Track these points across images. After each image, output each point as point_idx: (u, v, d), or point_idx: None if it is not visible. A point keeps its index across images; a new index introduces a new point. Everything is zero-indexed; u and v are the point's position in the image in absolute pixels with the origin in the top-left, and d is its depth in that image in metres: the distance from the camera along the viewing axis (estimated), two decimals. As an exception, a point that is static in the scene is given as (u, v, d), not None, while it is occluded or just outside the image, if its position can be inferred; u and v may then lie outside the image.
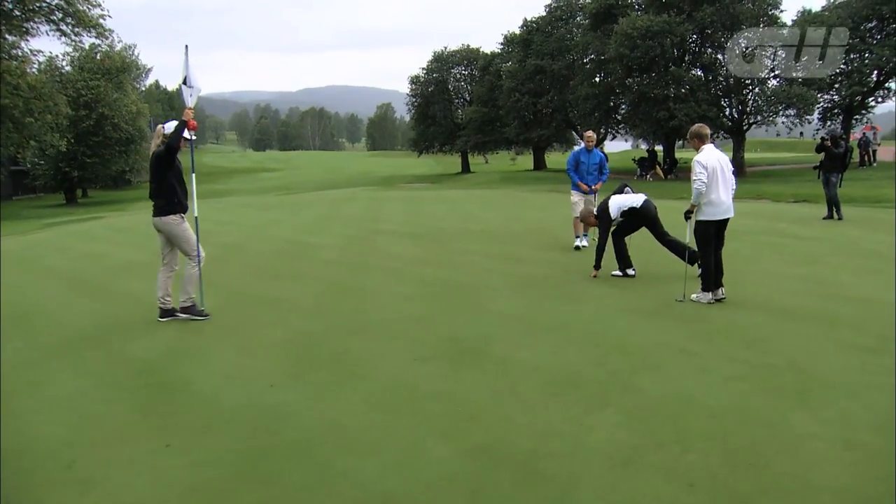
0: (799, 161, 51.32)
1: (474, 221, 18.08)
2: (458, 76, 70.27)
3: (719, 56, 39.17)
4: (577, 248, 12.69)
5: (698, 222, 8.68)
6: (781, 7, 37.82)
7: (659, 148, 54.21)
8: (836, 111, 41.60)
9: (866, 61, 38.47)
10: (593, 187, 12.69)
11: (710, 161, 8.61)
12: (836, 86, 39.63)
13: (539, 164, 61.60)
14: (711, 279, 8.64)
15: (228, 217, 22.52)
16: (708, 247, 8.67)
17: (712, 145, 8.96)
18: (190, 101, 7.97)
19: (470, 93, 67.83)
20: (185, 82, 8.10)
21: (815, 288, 9.37)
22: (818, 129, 43.10)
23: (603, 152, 13.39)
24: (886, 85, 40.31)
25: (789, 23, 38.07)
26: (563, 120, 55.00)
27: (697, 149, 9.08)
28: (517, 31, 58.10)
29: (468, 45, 70.09)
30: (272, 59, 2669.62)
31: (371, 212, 22.31)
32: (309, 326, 7.91)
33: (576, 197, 12.63)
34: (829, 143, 17.42)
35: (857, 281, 9.80)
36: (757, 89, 38.01)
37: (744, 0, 37.28)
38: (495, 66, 61.65)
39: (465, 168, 69.23)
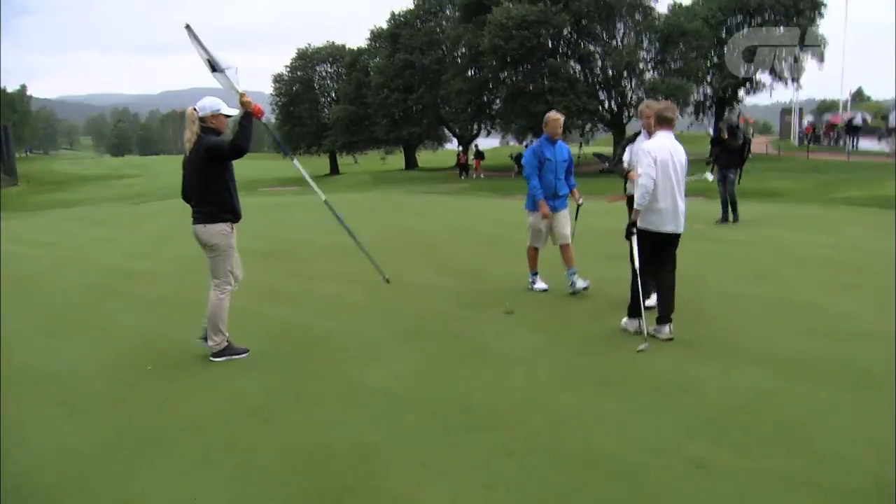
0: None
1: (342, 233, 14.95)
2: (324, 74, 66.95)
3: (596, 48, 37.86)
4: (532, 287, 8.72)
5: (639, 231, 6.56)
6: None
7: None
8: (707, 104, 41.18)
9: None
10: (566, 195, 8.52)
11: (661, 153, 6.32)
12: (709, 78, 39.15)
13: (411, 164, 59.28)
14: (639, 301, 6.67)
15: (50, 236, 18.25)
16: (645, 262, 6.59)
17: (669, 134, 6.54)
18: (237, 86, 6.17)
19: (337, 91, 64.69)
20: (213, 69, 6.28)
21: (800, 319, 7.14)
22: (692, 123, 42.75)
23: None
24: (757, 78, 40.25)
25: (664, 14, 37.15)
26: (434, 117, 52.70)
27: (650, 133, 6.67)
28: (385, 26, 55.39)
29: (333, 42, 66.90)
30: (130, 60, 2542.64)
31: (223, 223, 18.87)
32: (76, 442, 4.71)
33: (534, 217, 8.42)
34: (725, 134, 15.04)
35: (838, 303, 7.70)
36: (635, 81, 36.87)
37: (619, -10, 36.07)
38: (362, 62, 58.83)
39: (334, 169, 65.93)
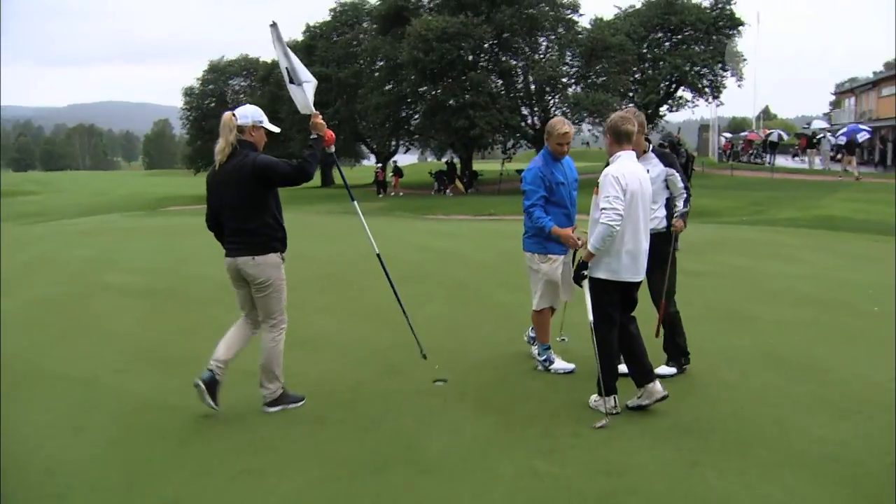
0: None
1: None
2: (238, 88, 64.26)
3: (518, 62, 36.75)
4: (549, 367, 6.16)
5: (594, 280, 5.10)
6: (581, 12, 36.13)
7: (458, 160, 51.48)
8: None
9: (660, 69, 37.73)
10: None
11: (630, 180, 4.93)
12: (631, 94, 38.59)
13: (327, 180, 57.10)
14: (614, 372, 5.16)
15: None
16: (608, 321, 5.10)
17: (632, 154, 5.06)
18: (311, 105, 5.38)
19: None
20: (290, 79, 5.33)
21: (815, 387, 5.65)
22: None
23: None
24: (678, 94, 39.95)
25: (588, 28, 36.36)
26: (351, 132, 50.55)
27: (611, 154, 5.21)
28: (299, 38, 53.21)
29: (247, 55, 64.28)
30: (35, 71, 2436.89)
31: (110, 251, 16.22)
32: None
33: (547, 265, 5.99)
34: (668, 150, 13.63)
35: (848, 361, 6.30)
36: (558, 96, 35.87)
37: (542, 3, 34.99)
38: (276, 75, 56.30)
39: (249, 187, 62.98)
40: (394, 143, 49.05)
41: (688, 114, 74.25)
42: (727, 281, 9.99)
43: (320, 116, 5.25)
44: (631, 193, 4.82)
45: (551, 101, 37.01)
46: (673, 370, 5.94)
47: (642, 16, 37.79)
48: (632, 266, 4.97)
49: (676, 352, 6.02)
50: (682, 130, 30.00)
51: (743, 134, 50.52)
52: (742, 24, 37.50)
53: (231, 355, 5.26)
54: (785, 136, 48.15)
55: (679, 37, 38.25)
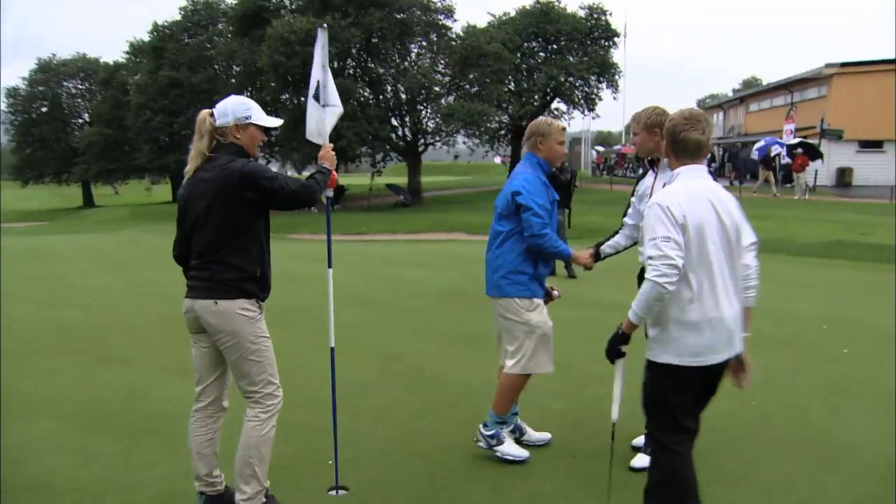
0: (474, 185, 49.67)
1: (65, 304, 10.62)
2: (74, 91, 59.65)
3: (388, 70, 35.35)
4: (496, 449, 4.68)
5: (655, 367, 3.35)
6: (454, 17, 35.17)
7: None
8: (503, 132, 40.05)
9: (535, 80, 37.37)
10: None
11: (693, 210, 3.23)
12: (504, 105, 38.01)
13: (179, 195, 53.73)
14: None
15: None
16: (672, 432, 3.35)
17: (699, 170, 3.35)
18: (326, 135, 4.30)
19: (90, 111, 57.59)
20: (316, 96, 4.29)
21: (844, 474, 4.28)
22: (488, 151, 41.52)
23: None
24: (554, 106, 39.78)
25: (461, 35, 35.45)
26: (206, 143, 47.79)
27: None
28: (146, 38, 49.75)
29: (85, 55, 59.83)
30: None
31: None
32: None
33: (534, 312, 4.59)
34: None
35: (861, 432, 5.02)
36: (431, 106, 34.69)
37: (413, 8, 33.76)
38: (120, 78, 52.54)
39: (88, 201, 58.43)
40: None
41: (568, 126, 75.48)
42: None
43: (332, 148, 4.20)
44: (696, 229, 3.17)
45: (423, 112, 35.81)
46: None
47: (517, 24, 37.37)
48: (720, 341, 3.24)
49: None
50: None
51: (616, 147, 51.39)
52: (617, 34, 37.86)
53: (214, 463, 3.93)
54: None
55: (554, 46, 38.09)
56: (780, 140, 29.12)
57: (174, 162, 47.75)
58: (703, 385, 3.34)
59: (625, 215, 4.87)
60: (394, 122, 36.14)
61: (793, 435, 5.00)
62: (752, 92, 47.54)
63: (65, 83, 59.34)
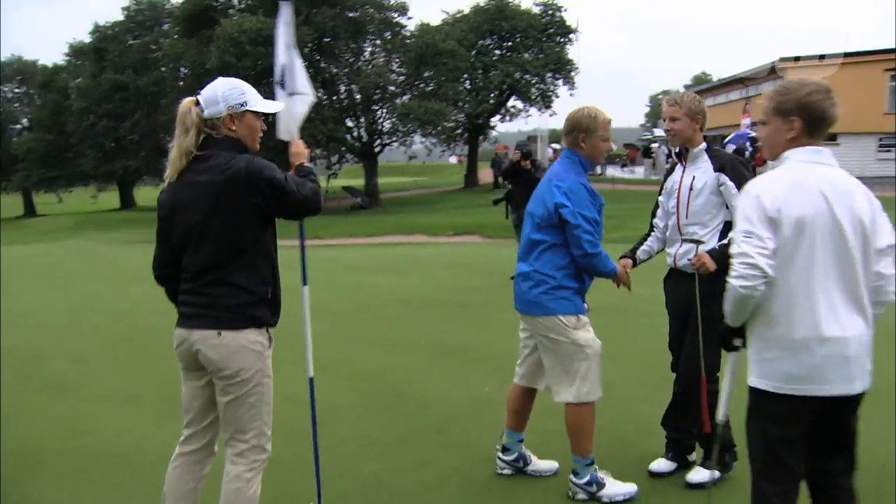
0: (431, 185, 49.13)
1: None
2: (10, 95, 57.70)
3: (341, 69, 34.67)
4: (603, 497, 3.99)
5: (749, 390, 2.79)
6: (409, 15, 34.64)
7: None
8: (460, 130, 39.65)
9: (491, 78, 37.05)
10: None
11: (797, 203, 2.63)
12: (461, 103, 37.61)
13: (128, 202, 52.38)
14: None
15: None
16: (773, 475, 2.73)
17: (820, 152, 2.74)
18: (297, 128, 3.79)
19: (28, 116, 55.79)
20: (282, 83, 3.85)
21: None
22: (444, 151, 41.10)
23: None
24: (510, 104, 39.53)
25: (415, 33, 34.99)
26: (154, 148, 46.20)
27: (772, 152, 2.88)
28: (87, 40, 48.27)
29: (21, 57, 57.98)
30: None
31: None
32: None
33: (582, 330, 3.97)
34: (526, 163, 11.63)
35: None
36: (387, 105, 34.10)
37: (366, 6, 33.15)
38: (60, 82, 50.88)
39: (30, 210, 56.56)
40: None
41: (521, 124, 75.51)
42: (654, 319, 8.37)
43: (303, 144, 3.60)
44: (795, 226, 2.61)
45: (379, 112, 35.21)
46: (714, 474, 3.91)
47: (471, 21, 37.08)
48: (822, 366, 2.64)
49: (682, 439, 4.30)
50: (500, 140, 29.54)
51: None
52: (573, 31, 37.73)
53: None
54: (613, 147, 49.44)
55: (510, 43, 37.84)
56: (750, 132, 29.13)
57: (121, 168, 46.44)
58: (820, 424, 2.73)
59: (654, 216, 4.39)
60: (349, 122, 35.53)
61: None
62: (706, 87, 47.86)
63: (1, 87, 57.42)
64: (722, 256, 3.89)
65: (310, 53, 34.44)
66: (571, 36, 38.16)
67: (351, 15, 32.96)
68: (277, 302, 3.16)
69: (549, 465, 4.39)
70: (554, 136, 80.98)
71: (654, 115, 77.22)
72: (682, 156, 4.10)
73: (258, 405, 3.08)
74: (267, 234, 3.11)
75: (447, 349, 7.38)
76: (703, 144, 4.06)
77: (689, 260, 3.95)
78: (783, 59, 33.00)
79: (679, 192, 4.10)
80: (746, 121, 31.83)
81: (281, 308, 3.19)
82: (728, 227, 3.92)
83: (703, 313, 3.93)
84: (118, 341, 8.19)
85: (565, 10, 37.64)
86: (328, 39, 33.57)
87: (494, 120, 40.90)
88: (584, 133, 3.89)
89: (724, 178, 3.93)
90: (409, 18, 35.35)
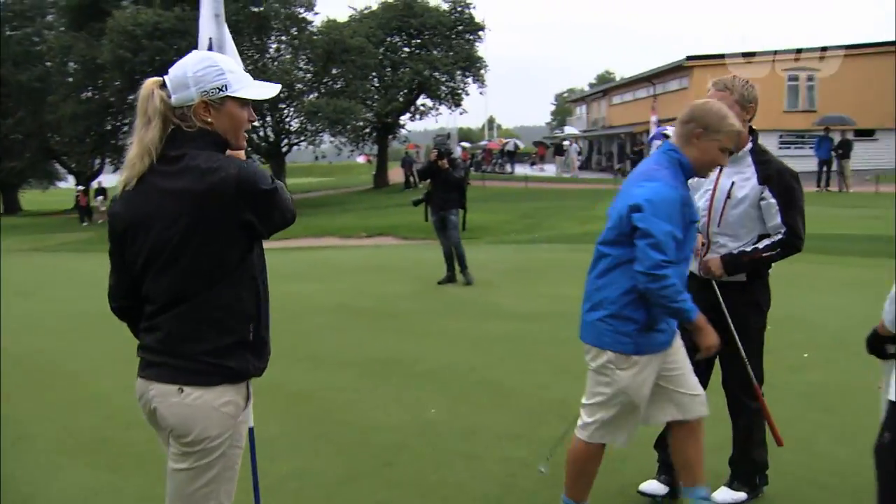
0: (339, 186, 48.11)
1: None
2: None
3: (245, 66, 33.45)
4: None
5: (889, 405, 2.48)
6: (315, 10, 33.79)
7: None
8: (368, 129, 38.98)
9: (400, 76, 36.56)
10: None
11: None
12: (369, 102, 36.98)
13: (11, 207, 49.35)
14: None
15: None
16: None
17: None
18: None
19: None
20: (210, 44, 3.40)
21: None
22: (352, 151, 40.41)
23: None
24: (420, 102, 39.13)
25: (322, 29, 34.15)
26: (40, 148, 43.87)
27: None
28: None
29: None
30: None
31: None
32: None
33: (628, 371, 3.23)
34: (444, 162, 11.20)
35: None
36: (295, 104, 33.13)
37: (271, 0, 32.15)
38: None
39: None
40: (98, 160, 43.15)
41: (430, 122, 75.38)
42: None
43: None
44: None
45: (286, 110, 34.20)
46: (741, 496, 3.67)
47: (379, 17, 36.46)
48: None
49: (749, 467, 3.83)
50: (410, 139, 29.15)
51: (482, 143, 51.46)
52: (482, 28, 37.59)
53: None
54: (521, 145, 49.85)
55: (419, 41, 37.46)
56: (667, 129, 29.59)
57: (3, 171, 43.63)
58: None
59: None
60: (254, 122, 34.42)
61: (795, 463, 4.25)
62: (614, 85, 48.74)
63: None
64: (737, 263, 3.53)
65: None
66: (481, 33, 38.03)
67: (255, 10, 31.82)
68: (263, 342, 2.50)
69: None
70: (463, 135, 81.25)
71: (560, 113, 78.44)
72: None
73: (217, 481, 2.42)
74: (254, 254, 2.44)
75: (382, 364, 6.82)
76: (749, 144, 3.60)
77: (702, 262, 3.59)
78: (690, 58, 33.79)
79: (714, 195, 3.64)
80: (654, 118, 32.44)
81: (270, 347, 2.55)
82: (760, 240, 3.57)
83: (736, 324, 3.58)
84: (8, 364, 7.28)
85: (474, 8, 37.49)
86: (231, 34, 32.35)
87: (404, 118, 40.36)
88: (703, 130, 3.16)
89: (767, 193, 3.50)
90: (316, 14, 34.53)
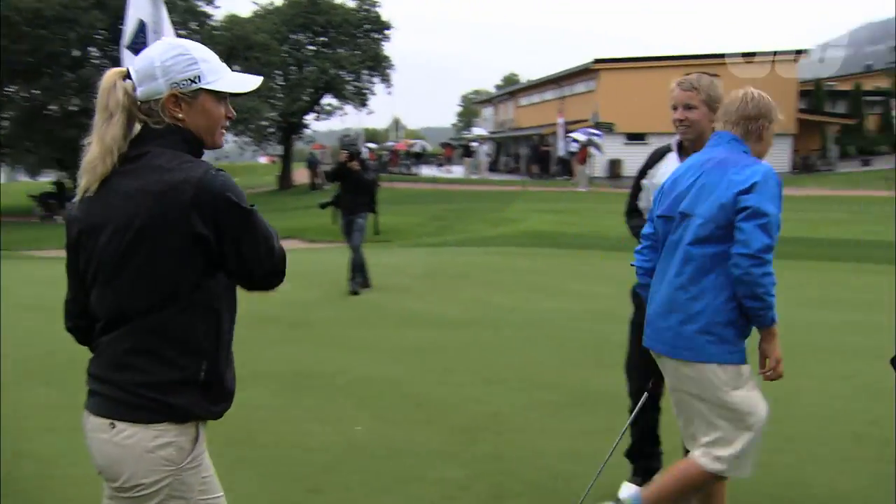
0: (243, 187, 46.61)
1: None
2: None
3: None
4: None
5: None
6: (216, 4, 32.80)
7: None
8: (272, 129, 38.16)
9: (306, 74, 35.92)
10: None
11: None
12: (273, 100, 36.18)
13: None
14: None
15: None
16: None
17: None
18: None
19: None
20: (135, 46, 3.61)
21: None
22: (256, 150, 39.54)
23: None
24: (325, 101, 38.58)
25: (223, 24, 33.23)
26: None
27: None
28: None
29: None
30: None
31: None
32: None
33: (742, 389, 2.96)
34: (356, 163, 10.62)
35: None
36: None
37: (163, -10, 31.01)
38: None
39: None
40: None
41: (336, 122, 74.40)
42: (525, 332, 7.88)
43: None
44: None
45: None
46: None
47: (284, 14, 35.82)
48: None
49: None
50: (315, 139, 28.58)
51: (389, 144, 51.10)
52: (389, 27, 37.37)
53: None
54: (428, 147, 49.86)
55: (325, 39, 36.91)
56: (594, 132, 29.95)
57: None
58: None
59: (636, 199, 3.94)
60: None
61: None
62: (521, 87, 49.25)
63: None
64: None
65: (104, 42, 31.77)
66: (387, 32, 37.77)
67: (150, 1, 30.67)
68: (221, 382, 2.16)
69: None
70: (369, 136, 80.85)
71: (466, 115, 78.79)
72: (686, 151, 3.55)
73: None
74: (215, 282, 2.09)
75: (299, 377, 6.43)
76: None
77: None
78: (597, 61, 34.43)
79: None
80: (561, 120, 32.93)
81: (232, 388, 2.21)
82: None
83: None
84: None
85: (380, 7, 37.20)
86: (122, 26, 31.05)
87: (309, 118, 39.70)
88: (769, 123, 3.06)
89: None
90: (217, 8, 33.56)
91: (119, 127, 2.06)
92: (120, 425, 2.03)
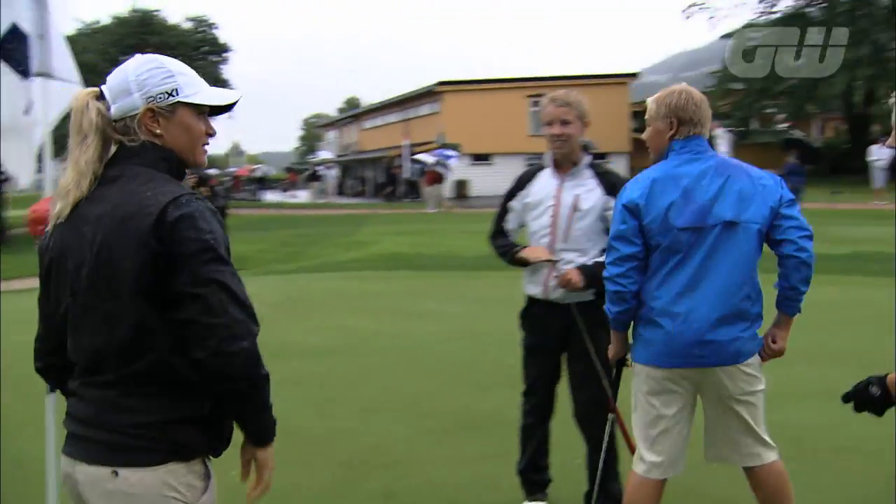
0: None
1: None
2: None
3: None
4: None
5: None
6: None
7: None
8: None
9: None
10: None
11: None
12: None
13: None
14: None
15: None
16: None
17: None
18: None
19: None
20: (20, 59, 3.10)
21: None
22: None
23: None
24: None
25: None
26: None
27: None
28: None
29: None
30: None
31: None
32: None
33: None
34: (206, 189, 10.74)
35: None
36: (15, 127, 30.02)
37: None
38: None
39: None
40: None
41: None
42: (394, 357, 7.75)
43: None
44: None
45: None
46: None
47: (113, 34, 34.14)
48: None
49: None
50: None
51: (231, 170, 49.80)
52: (228, 49, 36.49)
53: None
54: (271, 172, 49.08)
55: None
56: (451, 154, 30.19)
57: None
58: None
59: (502, 220, 3.88)
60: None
61: None
62: (364, 109, 49.35)
63: None
64: (594, 274, 3.42)
65: None
66: (226, 54, 36.89)
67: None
68: (220, 420, 2.02)
69: None
70: (209, 161, 78.60)
71: (308, 139, 78.01)
72: (561, 167, 3.61)
73: None
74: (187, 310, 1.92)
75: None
76: (587, 158, 3.58)
77: (555, 277, 3.47)
78: (441, 83, 35.04)
79: (557, 211, 3.60)
80: (407, 142, 33.27)
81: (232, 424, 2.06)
82: (603, 253, 3.43)
83: (593, 343, 3.54)
84: None
85: (217, 28, 36.28)
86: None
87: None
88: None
89: (612, 204, 3.36)
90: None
91: (94, 149, 1.96)
92: (124, 472, 1.87)
